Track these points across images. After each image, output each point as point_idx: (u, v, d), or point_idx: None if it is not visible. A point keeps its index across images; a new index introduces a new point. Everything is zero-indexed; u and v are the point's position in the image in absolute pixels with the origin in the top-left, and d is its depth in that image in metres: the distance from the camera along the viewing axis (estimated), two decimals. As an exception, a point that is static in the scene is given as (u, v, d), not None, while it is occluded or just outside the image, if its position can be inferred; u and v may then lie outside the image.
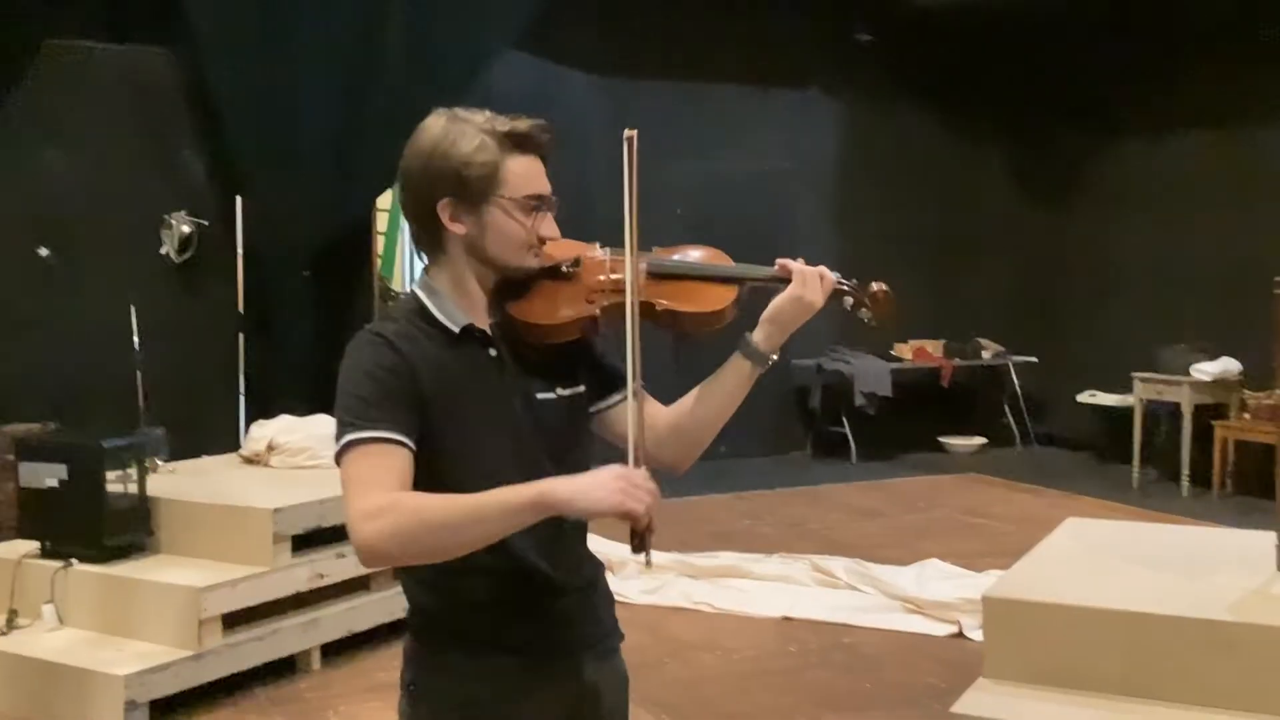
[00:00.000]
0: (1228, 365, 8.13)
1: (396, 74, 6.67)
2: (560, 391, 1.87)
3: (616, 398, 1.94)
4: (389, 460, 1.67)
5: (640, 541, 1.67)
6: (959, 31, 9.99)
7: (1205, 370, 8.11)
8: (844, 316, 2.05)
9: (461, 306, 1.82)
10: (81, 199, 6.66)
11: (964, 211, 10.59)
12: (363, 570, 4.90)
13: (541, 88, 8.47)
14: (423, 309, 1.82)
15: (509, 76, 7.46)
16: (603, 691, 1.92)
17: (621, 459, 1.72)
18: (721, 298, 1.89)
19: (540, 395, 1.85)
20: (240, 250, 7.10)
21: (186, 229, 6.92)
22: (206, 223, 6.98)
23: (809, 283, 1.89)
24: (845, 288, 1.96)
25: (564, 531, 1.84)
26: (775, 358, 1.91)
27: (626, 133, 1.84)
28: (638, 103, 9.32)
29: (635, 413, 1.76)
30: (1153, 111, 9.28)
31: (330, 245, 6.92)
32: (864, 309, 1.97)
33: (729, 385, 1.91)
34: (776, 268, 1.93)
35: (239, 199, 7.00)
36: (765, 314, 1.90)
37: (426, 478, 1.72)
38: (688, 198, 9.45)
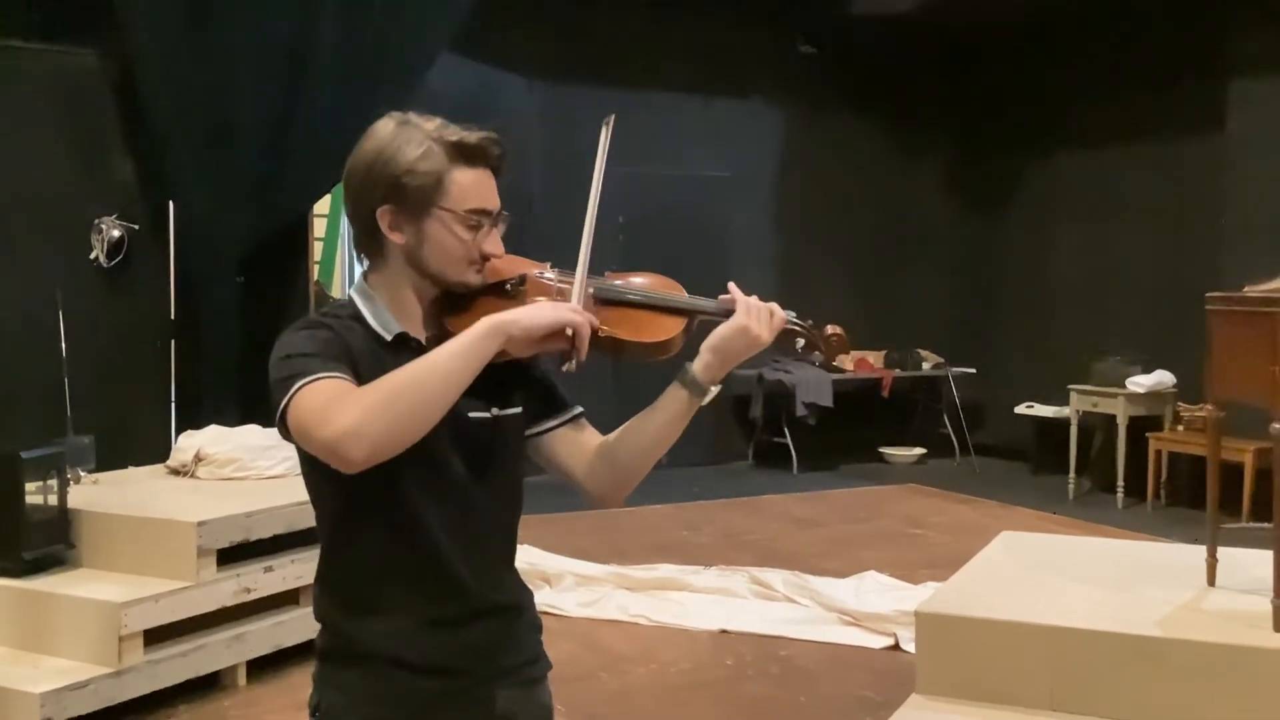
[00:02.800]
0: (1162, 378, 8.23)
1: (332, 76, 6.56)
2: (496, 411, 1.81)
3: (556, 420, 1.89)
4: (342, 385, 1.62)
5: (572, 358, 1.71)
6: (899, 43, 10.07)
7: (1140, 382, 8.20)
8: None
9: (397, 315, 1.77)
10: (7, 202, 6.50)
11: (904, 223, 10.69)
12: (291, 584, 4.81)
13: (480, 91, 8.42)
14: (357, 313, 1.77)
15: (447, 79, 7.39)
16: None
17: (557, 485, 1.69)
18: (668, 329, 1.82)
19: (473, 414, 1.77)
20: (172, 255, 6.96)
21: (117, 233, 6.77)
22: (137, 227, 6.84)
23: (757, 316, 1.79)
24: (798, 329, 1.88)
25: (488, 544, 1.80)
26: (716, 389, 1.82)
27: (605, 119, 1.87)
28: (577, 108, 9.29)
29: (583, 258, 1.79)
30: (1087, 125, 9.39)
31: (265, 250, 6.79)
32: (817, 351, 1.91)
33: (666, 416, 1.81)
34: (726, 296, 1.84)
35: (171, 203, 6.86)
36: (707, 343, 1.81)
37: (347, 484, 1.66)
38: (628, 205, 9.44)
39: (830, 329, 1.92)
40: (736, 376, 9.69)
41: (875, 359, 10.13)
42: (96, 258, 6.75)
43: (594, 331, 1.75)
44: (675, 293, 1.87)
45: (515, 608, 1.88)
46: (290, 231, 6.88)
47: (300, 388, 1.62)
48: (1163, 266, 8.69)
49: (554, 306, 1.70)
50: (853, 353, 10.07)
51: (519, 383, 1.85)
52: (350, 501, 1.74)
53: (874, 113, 10.38)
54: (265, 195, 6.63)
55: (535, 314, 1.67)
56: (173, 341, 7.03)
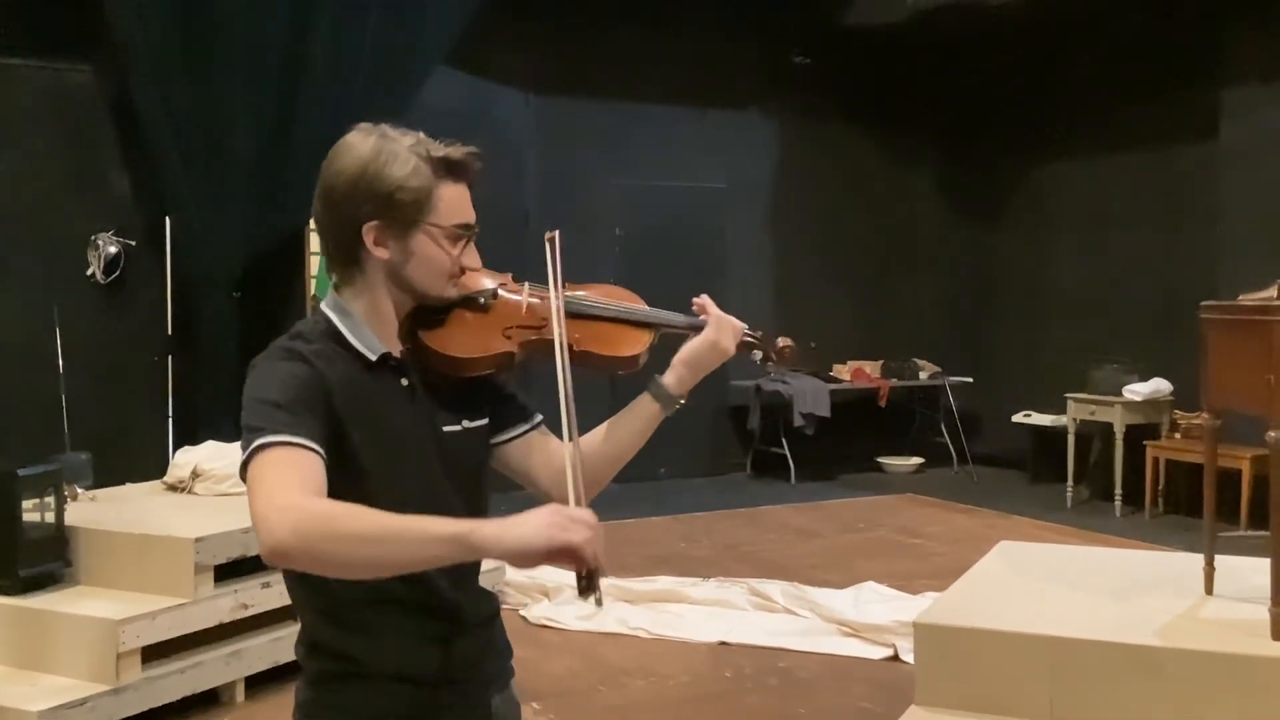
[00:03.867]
0: (1159, 385, 8.23)
1: (326, 91, 6.58)
2: (466, 424, 1.83)
3: (519, 430, 1.91)
4: (303, 464, 1.58)
5: (589, 581, 1.52)
6: (893, 54, 10.09)
7: (1137, 391, 8.20)
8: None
9: (376, 332, 1.77)
10: (4, 219, 6.51)
11: (900, 232, 10.71)
12: (289, 601, 4.78)
13: (475, 105, 8.43)
14: (335, 331, 1.76)
15: (442, 93, 7.41)
16: None
17: (518, 493, 1.68)
18: (635, 342, 1.87)
19: (447, 428, 1.80)
20: (169, 271, 6.97)
21: (113, 249, 6.79)
22: (134, 243, 6.85)
23: (724, 329, 1.90)
24: (753, 340, 1.98)
25: (470, 564, 1.80)
26: (684, 401, 1.90)
27: (548, 235, 1.85)
28: (573, 121, 9.32)
29: (572, 455, 1.69)
30: (1083, 134, 9.41)
31: (262, 265, 6.81)
32: (770, 362, 2.02)
33: (634, 425, 1.88)
34: (694, 307, 1.92)
35: (167, 219, 6.87)
36: (678, 357, 1.89)
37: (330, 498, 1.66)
38: (623, 218, 9.47)
39: (782, 341, 2.02)
40: (734, 387, 9.73)
41: (872, 369, 10.13)
42: (93, 274, 6.76)
43: (569, 346, 1.78)
44: (637, 305, 1.92)
45: (493, 613, 1.92)
46: (286, 246, 6.89)
47: (259, 449, 1.58)
48: (1158, 275, 8.70)
49: (545, 525, 1.50)
50: (849, 363, 10.09)
51: (484, 394, 1.87)
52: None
53: (869, 123, 10.40)
54: (261, 210, 6.65)
55: (521, 534, 1.49)
56: (169, 357, 7.04)
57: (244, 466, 1.60)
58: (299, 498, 1.52)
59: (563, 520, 1.51)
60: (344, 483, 1.64)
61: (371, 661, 1.75)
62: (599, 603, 1.56)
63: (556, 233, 1.86)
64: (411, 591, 1.72)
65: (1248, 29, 7.98)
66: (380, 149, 1.73)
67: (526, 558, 1.50)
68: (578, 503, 1.63)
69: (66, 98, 6.73)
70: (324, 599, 1.75)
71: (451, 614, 1.79)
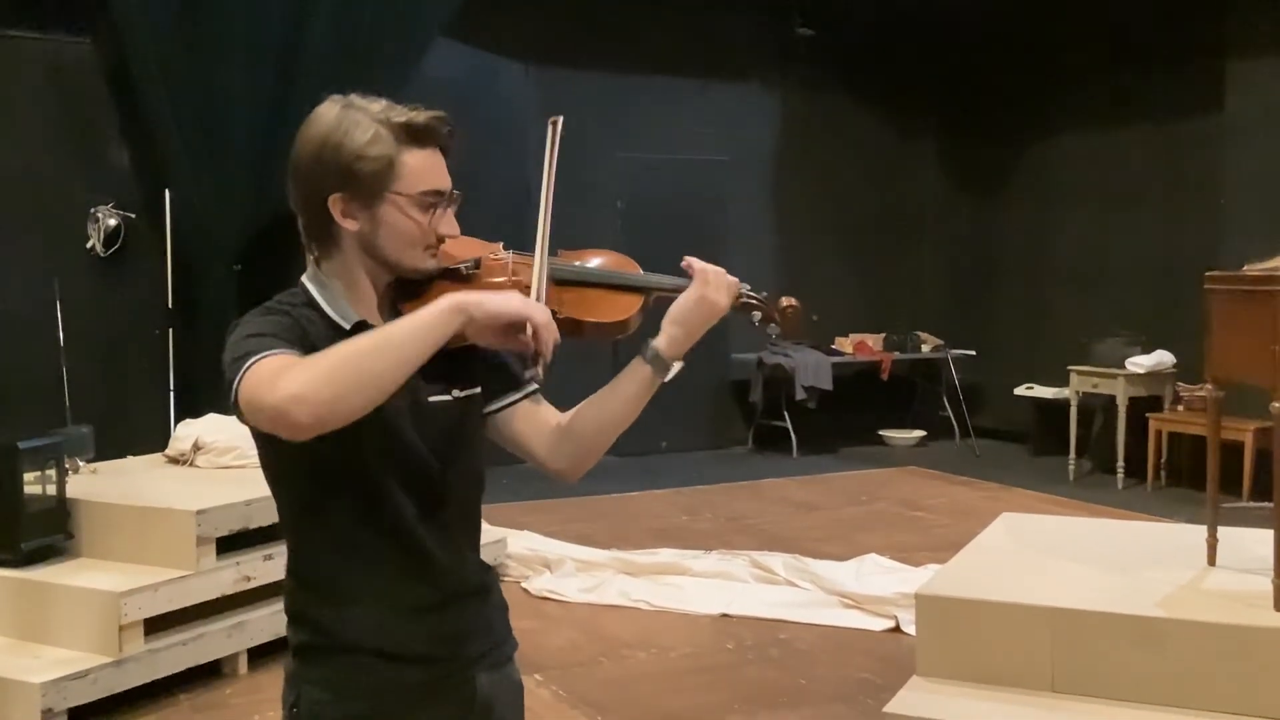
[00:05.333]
0: (1161, 358, 8.21)
1: (326, 62, 6.55)
2: (456, 393, 1.80)
3: (513, 396, 1.88)
4: (297, 359, 1.57)
5: (535, 358, 1.66)
6: (896, 25, 10.03)
7: (1139, 363, 8.19)
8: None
9: (353, 303, 1.74)
10: (4, 192, 6.50)
11: (902, 205, 10.67)
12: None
13: (476, 77, 8.39)
14: (312, 301, 1.74)
15: (442, 65, 7.37)
16: (495, 705, 1.85)
17: (513, 463, 1.66)
18: (625, 307, 1.81)
19: (433, 398, 1.77)
20: (169, 243, 6.95)
21: (113, 222, 6.79)
22: (133, 215, 6.84)
23: (712, 282, 1.80)
24: (754, 301, 1.89)
25: (456, 526, 1.80)
26: (680, 365, 1.81)
27: (551, 119, 1.83)
28: (575, 93, 9.26)
29: (540, 250, 1.76)
30: (1086, 106, 9.36)
31: (261, 238, 6.79)
32: (773, 324, 1.91)
33: (628, 392, 1.80)
34: (684, 266, 1.84)
35: (167, 191, 6.85)
36: (667, 316, 1.80)
37: (307, 464, 1.67)
38: (625, 190, 9.43)
39: (785, 301, 1.91)
40: (736, 361, 9.72)
41: (874, 342, 10.11)
42: (93, 247, 6.76)
43: (552, 313, 1.72)
44: (630, 270, 1.86)
45: (484, 589, 1.87)
46: (287, 219, 6.79)
47: (253, 363, 1.56)
48: (1162, 247, 8.67)
49: (523, 300, 1.64)
50: (852, 336, 10.08)
51: (475, 363, 1.83)
52: (315, 482, 1.71)
53: (872, 95, 10.34)
54: (261, 183, 6.62)
55: (501, 300, 1.62)
56: (170, 330, 7.03)
57: (236, 390, 1.57)
58: (296, 367, 1.54)
59: (531, 301, 1.67)
60: (318, 446, 1.59)
61: (347, 633, 1.73)
62: (543, 372, 1.69)
63: (560, 118, 1.85)
64: (394, 547, 1.71)
65: (1251, 3, 7.92)
66: (341, 119, 1.70)
67: (500, 319, 1.61)
68: (538, 300, 1.73)
69: (65, 70, 6.70)
70: (309, 564, 1.75)
71: (437, 579, 1.76)
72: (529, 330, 1.63)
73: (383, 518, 1.72)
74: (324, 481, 1.70)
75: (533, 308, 1.64)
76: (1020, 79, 9.91)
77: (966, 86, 10.30)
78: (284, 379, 1.51)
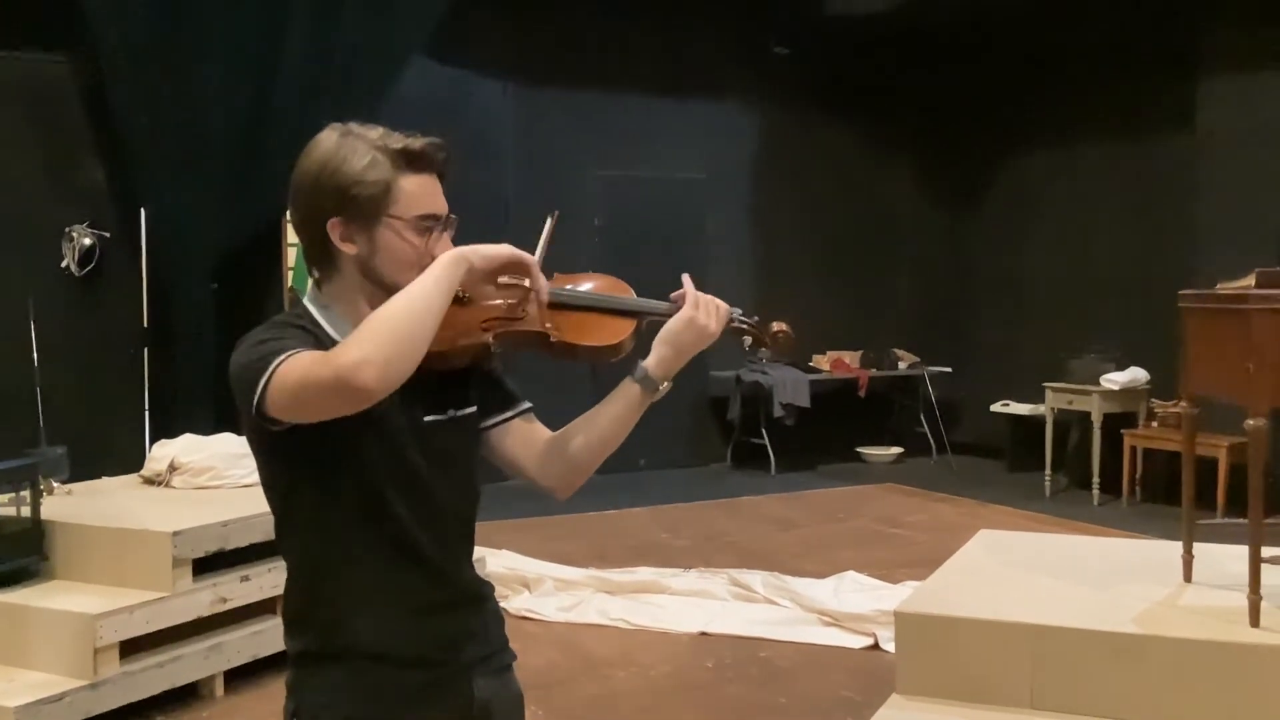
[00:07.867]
0: (1136, 374, 8.27)
1: (303, 81, 6.54)
2: (452, 413, 1.84)
3: (506, 414, 1.92)
4: (327, 352, 1.61)
5: (521, 299, 1.79)
6: (873, 43, 10.09)
7: (1114, 379, 8.24)
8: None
9: (354, 324, 1.75)
10: (-23, 210, 6.45)
11: (879, 222, 10.72)
12: (268, 593, 4.77)
13: (453, 95, 8.39)
14: (315, 323, 1.78)
15: (420, 83, 7.37)
16: (494, 711, 1.89)
17: (494, 480, 1.68)
18: (619, 331, 1.86)
19: (429, 418, 1.81)
20: (144, 263, 6.91)
21: (88, 241, 6.74)
22: (109, 234, 6.80)
23: (705, 309, 1.86)
24: (745, 326, 1.94)
25: (452, 535, 1.84)
26: (668, 386, 1.87)
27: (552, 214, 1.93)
28: (553, 112, 9.30)
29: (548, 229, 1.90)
30: (1060, 124, 9.44)
31: (238, 257, 6.76)
32: (764, 348, 1.97)
33: (617, 411, 1.86)
34: (678, 293, 1.90)
35: (143, 210, 6.81)
36: (658, 337, 1.86)
37: (308, 474, 1.71)
38: (603, 208, 9.44)
39: (776, 326, 1.98)
40: (714, 378, 9.73)
41: (852, 359, 10.15)
42: (68, 266, 6.70)
43: (545, 336, 1.81)
44: (624, 294, 1.91)
45: (481, 597, 1.92)
46: (263, 237, 6.84)
47: (282, 361, 1.61)
48: (1136, 264, 8.74)
49: (512, 248, 1.74)
50: (829, 353, 10.11)
51: (471, 382, 1.88)
52: (316, 485, 1.74)
53: (848, 113, 10.39)
54: (237, 201, 6.60)
55: (494, 247, 1.72)
56: (145, 349, 6.98)
57: (263, 390, 1.60)
58: (338, 347, 1.60)
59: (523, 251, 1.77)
60: (318, 460, 1.70)
61: (347, 637, 1.76)
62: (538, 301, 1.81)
63: (557, 213, 1.93)
64: (394, 548, 1.75)
65: (1224, 20, 8.01)
66: (340, 145, 1.74)
67: (495, 261, 1.72)
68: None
69: (40, 88, 6.67)
70: (310, 567, 1.78)
71: (435, 583, 1.80)
72: (524, 276, 1.76)
73: (383, 526, 1.76)
74: (328, 493, 1.74)
75: (523, 253, 1.75)
76: (996, 97, 9.99)
77: (943, 104, 10.36)
78: (334, 356, 1.57)
